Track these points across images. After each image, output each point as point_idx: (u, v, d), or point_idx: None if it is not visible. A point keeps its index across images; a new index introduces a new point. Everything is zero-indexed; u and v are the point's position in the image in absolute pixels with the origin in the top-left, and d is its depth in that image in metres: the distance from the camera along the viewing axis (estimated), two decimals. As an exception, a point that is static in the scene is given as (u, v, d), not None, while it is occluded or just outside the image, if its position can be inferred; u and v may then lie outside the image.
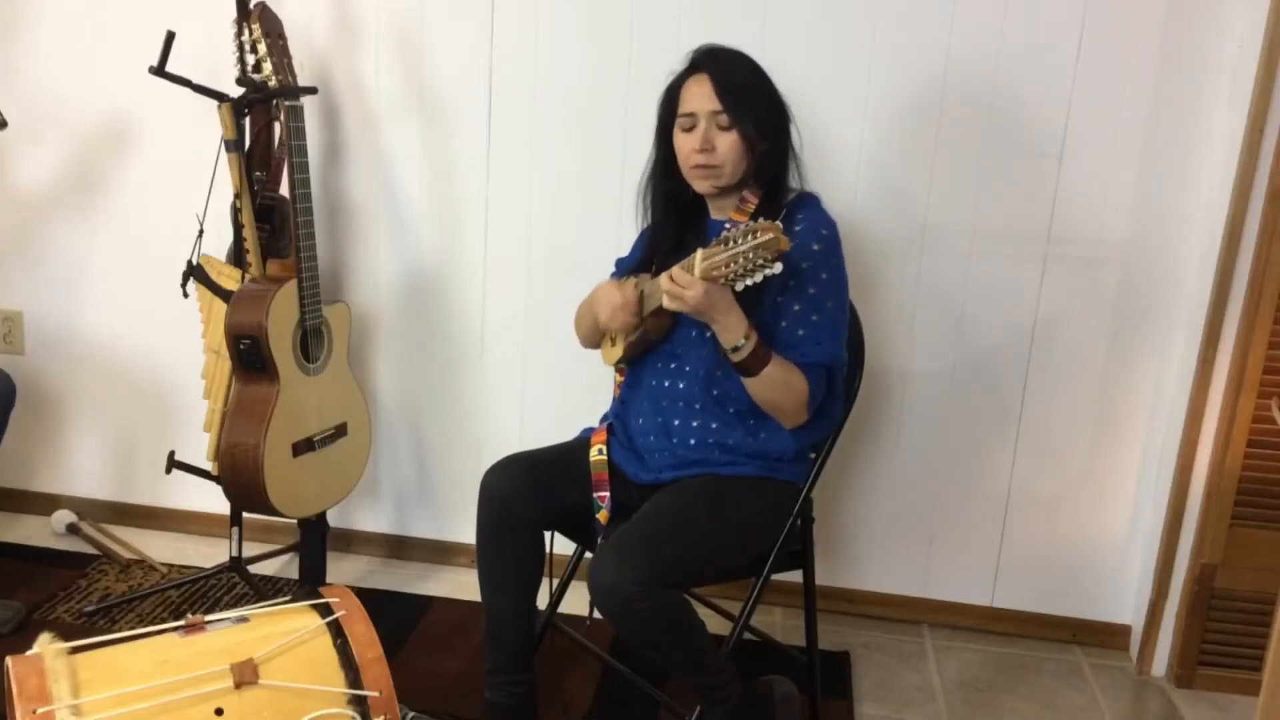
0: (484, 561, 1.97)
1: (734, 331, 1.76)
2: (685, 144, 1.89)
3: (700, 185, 1.91)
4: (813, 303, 1.85)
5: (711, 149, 1.86)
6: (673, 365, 1.96)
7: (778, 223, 1.61)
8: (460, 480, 2.75)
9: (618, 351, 2.01)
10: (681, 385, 1.94)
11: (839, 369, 1.91)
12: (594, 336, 2.08)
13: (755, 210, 1.90)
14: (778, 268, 1.62)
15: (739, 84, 1.86)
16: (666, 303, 1.75)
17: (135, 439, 2.85)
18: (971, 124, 2.37)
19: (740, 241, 1.62)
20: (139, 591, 2.53)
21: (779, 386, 1.82)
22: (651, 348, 1.99)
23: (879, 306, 2.47)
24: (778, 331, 1.85)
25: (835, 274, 1.88)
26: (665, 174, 1.97)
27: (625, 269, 2.08)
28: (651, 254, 2.00)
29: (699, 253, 1.70)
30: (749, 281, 1.65)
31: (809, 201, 1.93)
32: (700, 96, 1.86)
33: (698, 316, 1.77)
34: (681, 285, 1.71)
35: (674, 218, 2.00)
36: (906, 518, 2.60)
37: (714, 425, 1.92)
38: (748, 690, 1.92)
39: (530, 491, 1.94)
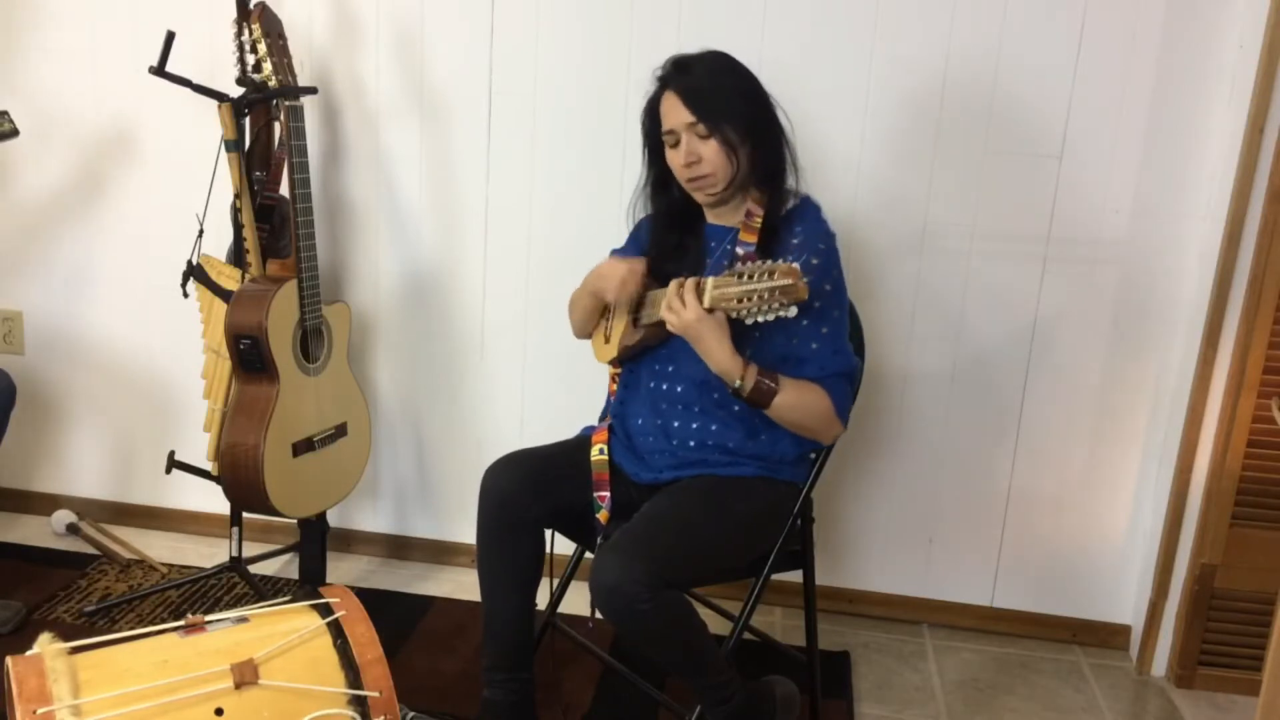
0: (484, 559, 1.97)
1: (727, 370, 1.77)
2: (674, 160, 1.90)
3: (699, 196, 1.92)
4: (819, 316, 1.84)
5: (698, 160, 1.86)
6: (670, 368, 1.96)
7: (796, 266, 1.59)
8: (460, 480, 2.75)
9: (612, 350, 2.01)
10: (679, 388, 1.94)
11: (858, 375, 1.92)
12: (589, 323, 2.08)
13: (763, 226, 1.88)
14: (793, 312, 1.61)
15: (705, 89, 1.85)
16: (664, 312, 1.77)
17: (135, 439, 2.85)
18: (971, 124, 2.37)
19: (755, 279, 1.60)
20: (139, 591, 2.53)
21: (797, 410, 1.82)
22: (646, 351, 1.99)
23: (879, 307, 2.47)
24: (789, 349, 1.85)
25: (836, 284, 1.88)
26: (662, 187, 1.99)
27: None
28: (659, 257, 2.00)
29: (710, 280, 1.69)
30: (760, 319, 1.64)
31: (809, 212, 1.92)
32: (674, 111, 1.87)
33: (688, 338, 1.78)
34: (682, 305, 1.73)
35: (675, 228, 2.00)
36: (906, 518, 2.60)
37: (714, 427, 1.92)
38: (748, 690, 1.92)
39: (530, 489, 1.94)
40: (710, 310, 1.72)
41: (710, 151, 1.85)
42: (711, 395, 1.92)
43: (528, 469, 1.97)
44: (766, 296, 1.60)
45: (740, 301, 1.63)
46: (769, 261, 1.61)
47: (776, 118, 1.91)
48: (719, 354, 1.76)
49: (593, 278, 2.00)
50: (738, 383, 1.78)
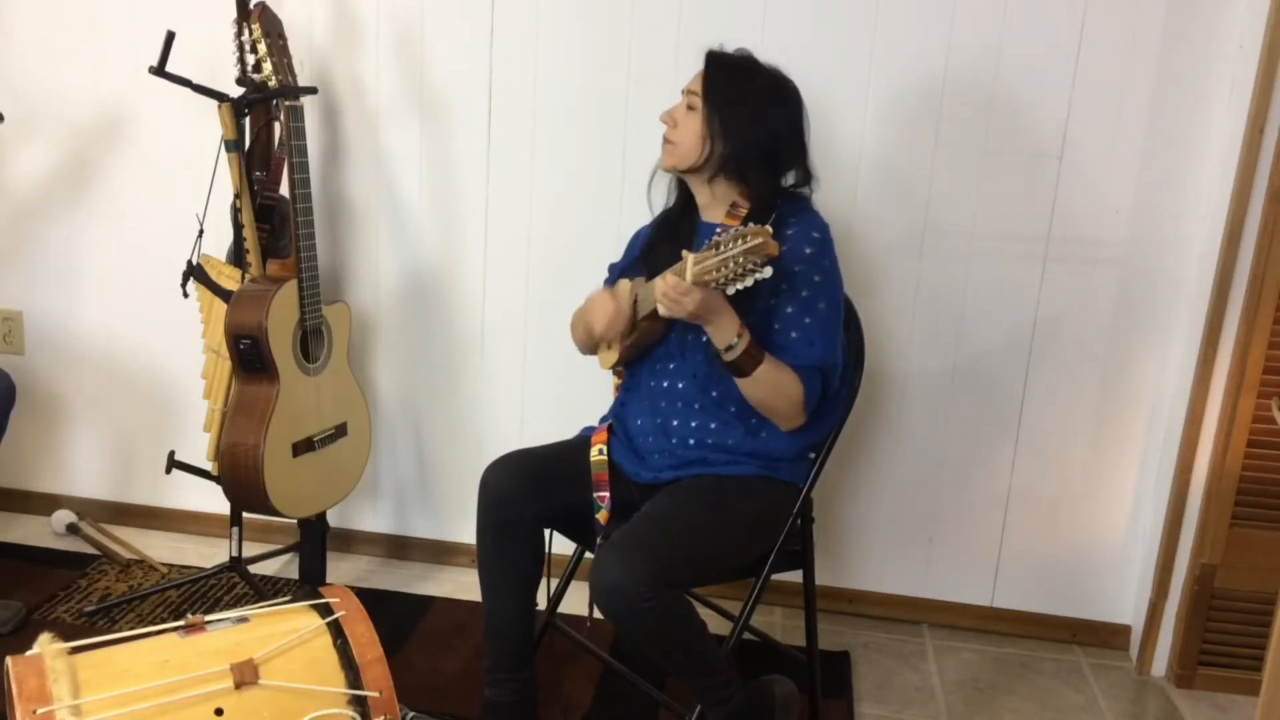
0: (483, 558, 1.98)
1: (726, 331, 1.77)
2: None
3: (663, 159, 1.95)
4: (804, 305, 1.85)
5: (674, 124, 1.90)
6: (671, 366, 1.96)
7: (767, 227, 1.61)
8: (460, 480, 2.75)
9: (614, 355, 2.02)
10: (680, 386, 1.94)
11: (833, 371, 1.91)
12: (590, 343, 2.09)
13: (746, 217, 1.90)
14: (768, 272, 1.61)
15: (728, 78, 1.88)
16: (662, 310, 1.75)
17: (135, 439, 2.85)
18: (971, 124, 2.37)
19: (730, 246, 1.62)
20: (139, 591, 2.53)
21: (772, 387, 1.82)
22: (648, 350, 2.00)
23: (879, 306, 2.47)
24: (771, 335, 1.86)
25: (828, 276, 1.88)
26: None
27: (619, 273, 2.10)
28: (650, 244, 2.01)
29: (690, 257, 1.69)
30: (740, 286, 1.64)
31: (801, 205, 1.94)
32: (695, 78, 1.91)
33: (694, 321, 1.78)
34: (679, 293, 1.71)
35: (677, 207, 2.02)
36: (906, 518, 2.60)
37: (713, 426, 1.92)
38: (748, 690, 1.93)
39: (530, 489, 1.94)
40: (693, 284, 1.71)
41: (688, 123, 1.88)
42: (711, 393, 1.92)
43: (527, 468, 1.97)
44: (741, 260, 1.60)
45: (718, 270, 1.63)
46: (739, 228, 1.62)
47: (784, 152, 1.90)
48: (724, 318, 1.76)
49: (586, 308, 2.00)
50: (734, 340, 1.77)
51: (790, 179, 1.95)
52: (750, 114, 1.87)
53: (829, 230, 1.91)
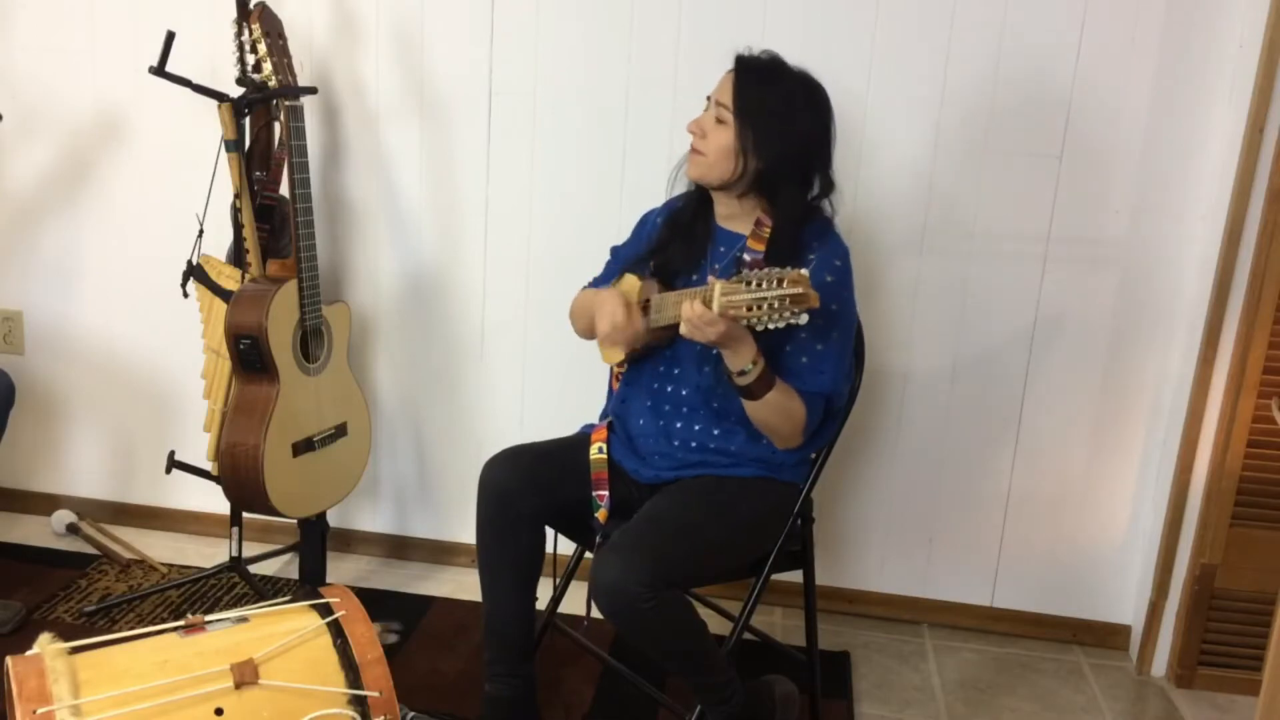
0: (483, 554, 1.97)
1: (743, 357, 1.75)
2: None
3: (689, 168, 1.90)
4: (819, 332, 1.83)
5: (703, 135, 1.86)
6: (676, 371, 1.96)
7: (804, 272, 1.57)
8: (460, 480, 2.75)
9: (619, 354, 2.01)
10: (684, 393, 1.94)
11: (838, 399, 1.91)
12: (592, 331, 2.07)
13: (771, 238, 1.86)
14: (803, 319, 1.59)
15: (756, 89, 1.83)
16: (684, 332, 1.73)
17: (135, 439, 2.85)
18: (971, 124, 2.37)
19: (766, 286, 1.58)
20: (139, 591, 2.53)
21: (778, 411, 1.82)
22: (653, 350, 1.99)
23: (879, 306, 2.47)
24: (781, 357, 1.85)
25: (844, 305, 1.87)
26: None
27: (623, 260, 2.08)
28: (661, 242, 1.98)
29: (717, 286, 1.65)
30: (770, 327, 1.61)
31: (824, 228, 1.91)
32: (723, 86, 1.85)
33: (713, 347, 1.76)
34: (704, 322, 1.68)
35: (691, 205, 1.98)
36: (906, 518, 2.60)
37: (716, 432, 1.92)
38: (748, 690, 1.93)
39: (530, 484, 1.94)
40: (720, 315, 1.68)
41: (717, 136, 1.83)
42: (713, 405, 1.92)
43: (526, 464, 1.96)
44: (777, 305, 1.57)
45: (750, 309, 1.60)
46: (777, 269, 1.59)
47: (809, 166, 1.87)
48: (744, 345, 1.74)
49: (595, 304, 1.94)
50: (749, 366, 1.75)
51: (814, 188, 1.91)
52: (783, 127, 1.82)
53: (849, 256, 1.90)
